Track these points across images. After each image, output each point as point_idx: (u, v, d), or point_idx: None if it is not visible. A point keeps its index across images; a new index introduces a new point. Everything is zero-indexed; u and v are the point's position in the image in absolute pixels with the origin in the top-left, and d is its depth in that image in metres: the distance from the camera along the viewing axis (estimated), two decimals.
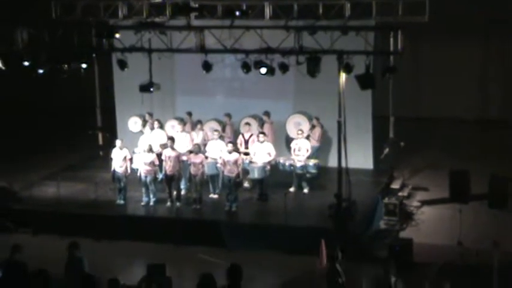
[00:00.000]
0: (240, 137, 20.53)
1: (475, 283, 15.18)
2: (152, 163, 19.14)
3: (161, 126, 20.76)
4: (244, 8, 18.94)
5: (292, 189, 19.83)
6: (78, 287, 12.03)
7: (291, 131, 20.89)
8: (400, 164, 21.79)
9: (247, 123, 20.69)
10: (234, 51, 18.20)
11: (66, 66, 19.17)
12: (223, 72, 21.77)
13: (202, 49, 18.29)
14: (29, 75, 19.71)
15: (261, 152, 19.34)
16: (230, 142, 19.48)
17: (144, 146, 19.47)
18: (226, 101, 22.36)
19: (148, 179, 19.14)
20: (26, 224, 18.83)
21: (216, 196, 19.64)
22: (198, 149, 19.22)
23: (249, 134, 20.37)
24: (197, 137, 20.58)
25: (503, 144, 23.85)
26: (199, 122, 20.92)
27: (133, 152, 19.99)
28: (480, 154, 22.94)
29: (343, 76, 17.10)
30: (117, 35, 18.87)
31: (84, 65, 19.68)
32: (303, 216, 18.30)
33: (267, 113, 21.03)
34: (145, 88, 19.12)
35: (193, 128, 20.96)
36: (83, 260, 13.30)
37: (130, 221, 18.81)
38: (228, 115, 21.17)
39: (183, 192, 19.68)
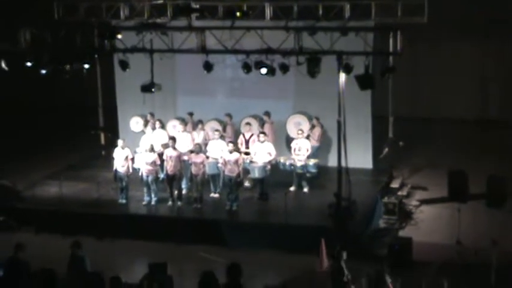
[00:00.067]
0: (241, 136, 20.63)
1: (473, 281, 15.25)
2: (154, 163, 19.22)
3: (162, 126, 20.83)
4: (245, 8, 19.02)
5: (292, 189, 19.94)
6: (80, 285, 12.19)
7: (291, 130, 20.99)
8: (400, 163, 21.90)
9: (248, 123, 20.79)
10: (235, 51, 18.20)
11: (68, 66, 19.13)
12: (224, 72, 21.82)
13: (203, 50, 18.29)
14: (32, 75, 19.82)
15: (262, 152, 19.44)
16: (231, 142, 19.54)
17: (145, 146, 19.55)
18: (227, 101, 22.45)
19: (149, 179, 19.23)
20: (28, 223, 18.92)
21: (216, 195, 19.74)
22: (199, 149, 19.32)
23: (250, 134, 20.48)
24: (198, 136, 20.68)
25: (503, 144, 23.89)
26: (200, 122, 21.03)
27: (135, 152, 20.09)
28: (479, 154, 23.01)
29: (342, 76, 17.10)
30: (119, 36, 18.86)
31: (86, 66, 19.66)
32: (303, 216, 18.41)
33: (267, 113, 21.13)
34: (146, 88, 19.14)
35: (194, 128, 21.05)
36: (85, 259, 13.40)
37: (132, 220, 18.90)
38: (229, 115, 21.28)
39: (184, 191, 19.76)
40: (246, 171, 19.65)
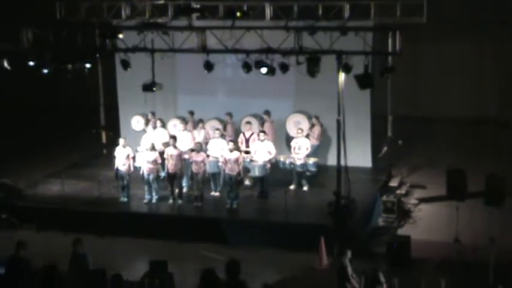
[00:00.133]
0: (241, 135, 20.71)
1: (471, 279, 15.30)
2: (155, 161, 19.29)
3: (163, 125, 20.90)
4: (245, 8, 19.11)
5: (292, 187, 20.02)
6: (82, 282, 12.29)
7: (291, 129, 21.06)
8: (398, 162, 21.93)
9: (248, 122, 20.87)
10: (235, 51, 18.28)
11: (70, 66, 19.22)
12: (224, 72, 21.86)
13: (203, 49, 18.35)
14: (34, 75, 19.89)
15: (262, 151, 19.51)
16: (231, 141, 19.58)
17: (146, 145, 19.61)
18: (228, 100, 22.50)
19: (150, 177, 19.31)
20: (30, 221, 18.98)
21: (217, 194, 19.82)
22: (200, 148, 19.40)
23: (250, 133, 20.56)
24: (199, 135, 20.76)
25: (501, 144, 23.92)
26: (201, 120, 21.10)
27: (136, 151, 20.17)
28: (478, 153, 23.05)
29: (342, 76, 17.19)
30: (120, 36, 18.96)
31: (88, 65, 19.75)
32: (303, 214, 18.47)
33: (267, 112, 21.21)
34: (148, 87, 19.21)
35: (195, 126, 21.12)
36: (87, 257, 13.47)
37: (133, 218, 18.97)
38: (229, 114, 21.36)
39: (185, 190, 19.84)
40: (246, 170, 19.71)
